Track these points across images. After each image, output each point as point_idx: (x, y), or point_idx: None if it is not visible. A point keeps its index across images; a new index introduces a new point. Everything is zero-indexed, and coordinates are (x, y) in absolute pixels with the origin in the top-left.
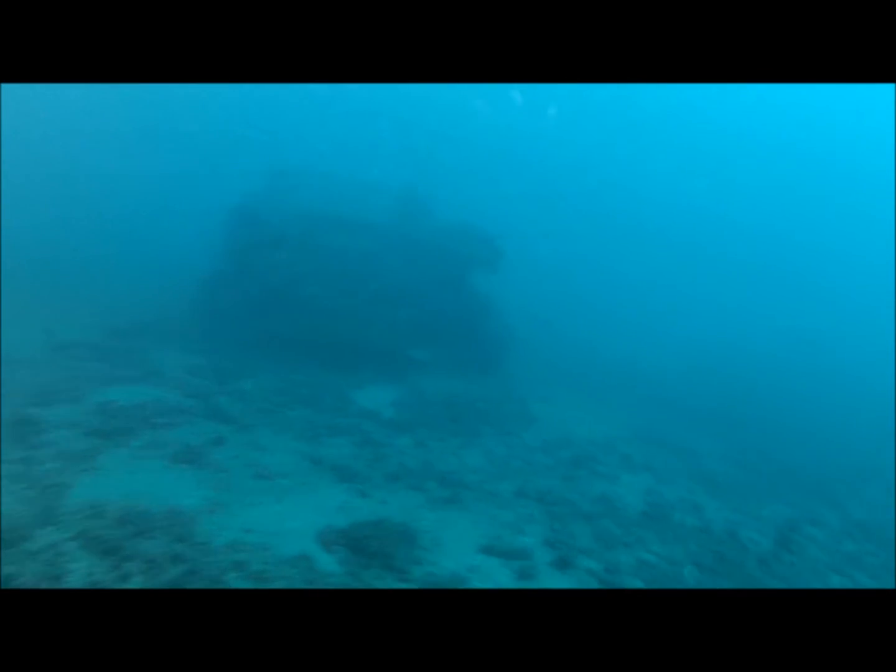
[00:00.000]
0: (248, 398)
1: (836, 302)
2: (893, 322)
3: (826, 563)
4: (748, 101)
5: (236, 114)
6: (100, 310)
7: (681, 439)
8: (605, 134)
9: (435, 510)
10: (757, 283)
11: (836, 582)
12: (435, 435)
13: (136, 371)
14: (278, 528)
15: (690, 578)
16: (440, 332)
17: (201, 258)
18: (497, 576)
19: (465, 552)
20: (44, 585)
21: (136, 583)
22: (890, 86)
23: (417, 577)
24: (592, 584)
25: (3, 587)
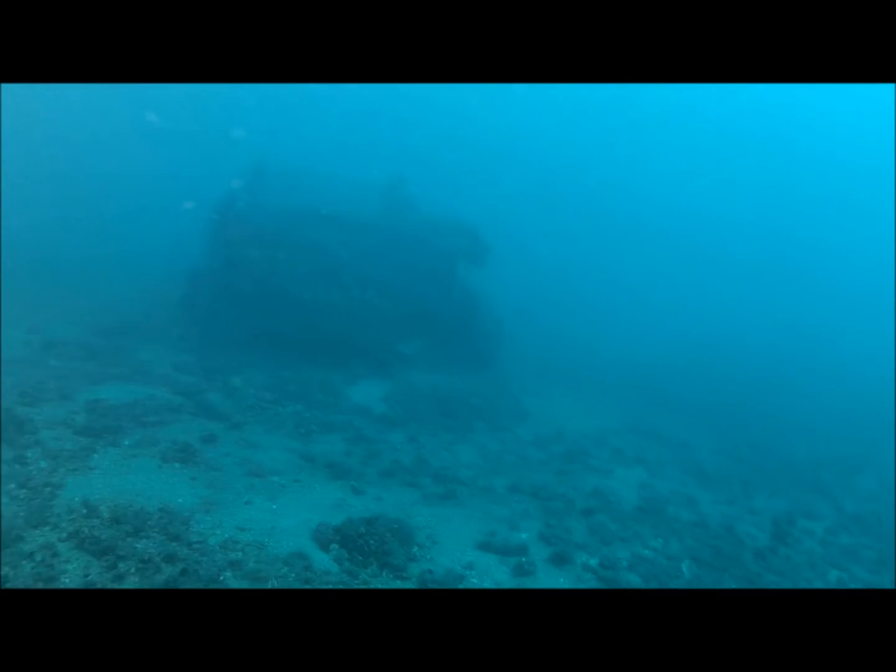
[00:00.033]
0: (239, 395)
1: (830, 296)
2: (893, 315)
3: (823, 556)
4: (748, 101)
5: (229, 112)
6: (87, 308)
7: (673, 432)
8: (605, 134)
9: (430, 506)
10: (750, 279)
11: (833, 575)
12: (427, 430)
13: (126, 369)
14: (273, 526)
15: (688, 573)
16: (431, 327)
17: (188, 255)
18: (494, 572)
19: (461, 549)
20: (38, 587)
21: (131, 583)
22: (890, 86)
23: (414, 574)
24: (590, 580)
25: None
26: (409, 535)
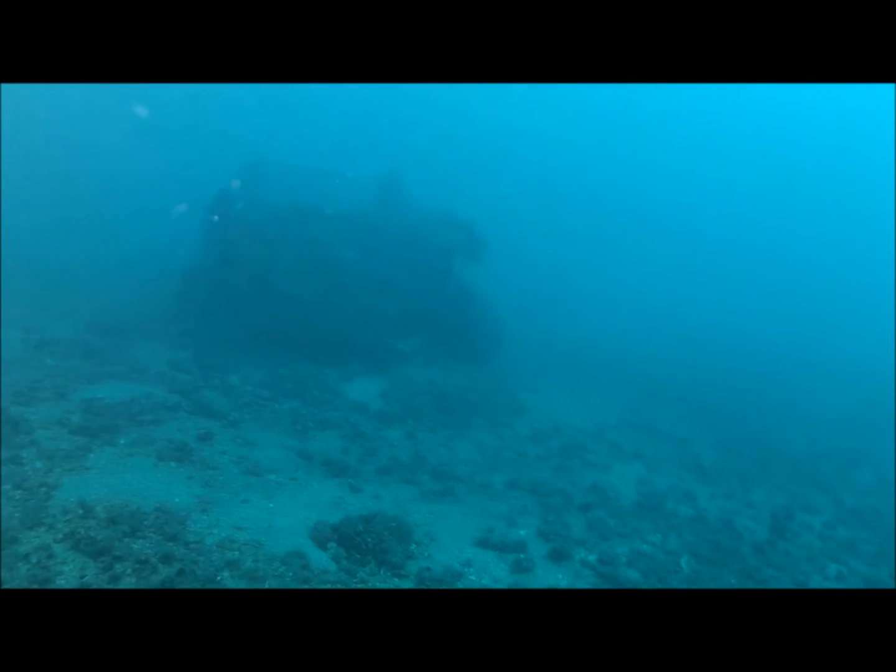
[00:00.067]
0: (235, 393)
1: (829, 292)
2: (892, 309)
3: (821, 550)
4: (748, 101)
5: (229, 111)
6: (83, 306)
7: (671, 427)
8: (605, 134)
9: (428, 503)
10: (747, 275)
11: (832, 569)
12: (425, 427)
13: (122, 367)
14: (270, 524)
15: (687, 568)
16: (428, 324)
17: (183, 253)
18: (492, 569)
19: (459, 546)
20: (35, 587)
21: (127, 583)
22: (890, 86)
23: (413, 572)
24: (588, 576)
25: None
26: (407, 533)
